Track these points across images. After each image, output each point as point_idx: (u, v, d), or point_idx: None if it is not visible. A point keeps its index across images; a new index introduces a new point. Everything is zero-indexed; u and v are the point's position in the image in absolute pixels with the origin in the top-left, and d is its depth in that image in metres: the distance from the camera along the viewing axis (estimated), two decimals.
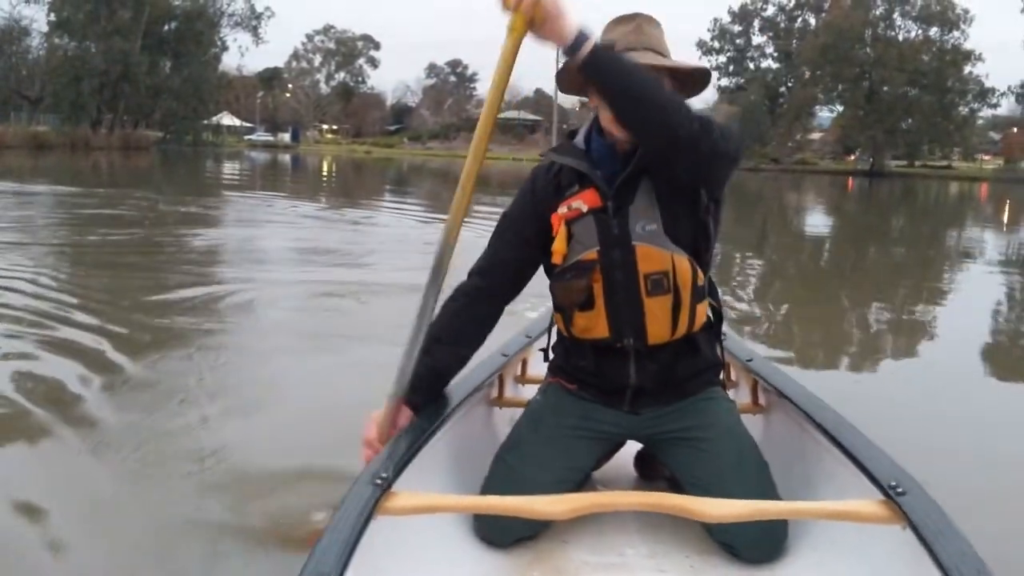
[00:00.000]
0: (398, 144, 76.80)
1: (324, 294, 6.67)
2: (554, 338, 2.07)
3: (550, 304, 2.01)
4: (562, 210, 1.84)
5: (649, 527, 1.83)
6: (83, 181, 21.87)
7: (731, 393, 2.31)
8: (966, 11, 58.17)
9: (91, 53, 44.54)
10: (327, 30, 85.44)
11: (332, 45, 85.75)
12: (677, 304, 1.80)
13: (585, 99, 1.95)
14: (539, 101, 77.86)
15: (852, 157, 64.60)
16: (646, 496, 1.68)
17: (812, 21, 64.92)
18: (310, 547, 1.32)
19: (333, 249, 9.60)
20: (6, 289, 6.07)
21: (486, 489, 1.85)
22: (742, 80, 68.30)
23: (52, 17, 48.19)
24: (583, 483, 1.95)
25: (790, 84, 65.91)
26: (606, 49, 1.66)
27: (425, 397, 1.86)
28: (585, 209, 1.81)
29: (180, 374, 4.24)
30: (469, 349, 1.96)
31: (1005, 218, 23.96)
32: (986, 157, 68.70)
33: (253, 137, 74.88)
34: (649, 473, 2.17)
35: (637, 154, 1.78)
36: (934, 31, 59.26)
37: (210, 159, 41.09)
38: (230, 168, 35.05)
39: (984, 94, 59.70)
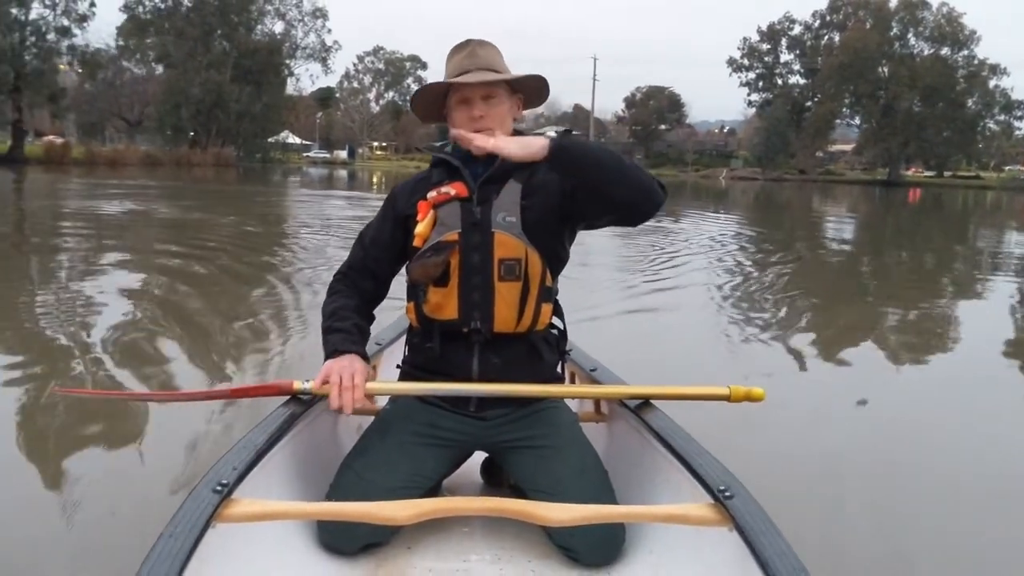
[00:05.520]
0: None
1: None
2: (406, 352, 2.09)
3: (402, 314, 2.08)
4: (431, 195, 1.94)
5: (493, 533, 1.86)
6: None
7: (576, 402, 2.39)
8: (973, 32, 62.08)
9: (190, 83, 51.10)
10: (377, 51, 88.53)
11: (381, 65, 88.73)
12: (525, 293, 1.89)
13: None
14: (577, 115, 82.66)
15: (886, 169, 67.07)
16: (489, 501, 1.68)
17: (836, 39, 67.43)
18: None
19: None
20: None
21: (332, 496, 1.83)
22: (771, 95, 71.34)
23: (120, 42, 54.50)
24: (431, 492, 1.93)
25: (816, 98, 68.66)
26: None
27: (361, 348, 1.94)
28: (453, 193, 1.92)
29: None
30: (368, 311, 2.07)
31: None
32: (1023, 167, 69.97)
33: (311, 154, 79.58)
34: (495, 481, 2.22)
35: (498, 160, 1.89)
36: (945, 50, 62.90)
37: (281, 173, 46.96)
38: (311, 178, 42.39)
39: (1010, 107, 62.79)
